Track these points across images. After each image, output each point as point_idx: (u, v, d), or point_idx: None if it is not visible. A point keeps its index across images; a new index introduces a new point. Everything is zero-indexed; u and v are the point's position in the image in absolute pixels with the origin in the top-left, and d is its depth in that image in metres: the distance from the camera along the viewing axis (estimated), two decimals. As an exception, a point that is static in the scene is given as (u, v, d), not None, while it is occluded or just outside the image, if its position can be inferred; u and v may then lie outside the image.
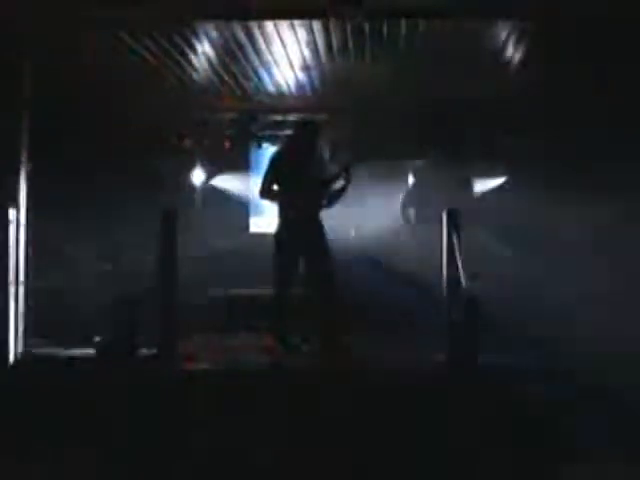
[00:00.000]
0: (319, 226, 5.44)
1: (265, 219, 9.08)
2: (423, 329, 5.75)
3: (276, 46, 6.22)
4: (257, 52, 6.41)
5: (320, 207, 5.44)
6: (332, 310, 5.36)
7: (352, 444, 4.02)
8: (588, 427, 4.02)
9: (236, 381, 4.52)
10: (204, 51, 6.36)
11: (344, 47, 6.23)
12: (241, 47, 6.25)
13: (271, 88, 7.70)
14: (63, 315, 5.95)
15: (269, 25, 5.68)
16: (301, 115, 8.34)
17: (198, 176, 9.15)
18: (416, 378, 4.53)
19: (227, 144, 8.97)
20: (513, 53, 6.47)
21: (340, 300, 5.39)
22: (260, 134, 8.89)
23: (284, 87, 7.67)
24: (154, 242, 5.02)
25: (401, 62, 6.67)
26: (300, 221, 5.35)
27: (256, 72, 7.08)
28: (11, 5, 5.11)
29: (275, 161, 5.49)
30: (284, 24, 5.66)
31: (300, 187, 5.34)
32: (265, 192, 5.43)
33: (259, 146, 9.04)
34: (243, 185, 9.23)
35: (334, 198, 5.47)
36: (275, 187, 5.40)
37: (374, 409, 4.20)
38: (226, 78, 7.26)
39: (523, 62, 6.65)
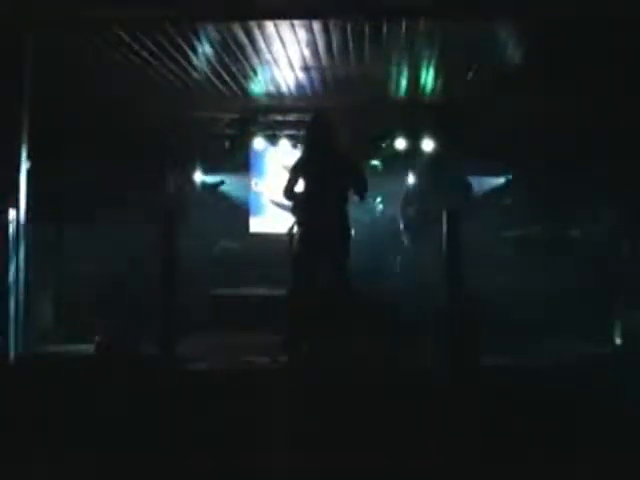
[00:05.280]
0: (339, 225, 5.41)
1: (265, 219, 9.10)
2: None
3: (276, 46, 6.22)
4: (257, 52, 6.41)
5: (341, 205, 5.41)
6: (338, 309, 5.36)
7: (352, 444, 4.03)
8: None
9: (236, 381, 4.52)
10: (204, 51, 6.36)
11: (344, 47, 6.23)
12: (241, 47, 6.26)
13: (271, 88, 7.71)
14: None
15: (269, 25, 5.68)
16: (301, 115, 8.37)
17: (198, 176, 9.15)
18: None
19: (227, 144, 8.97)
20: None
21: (351, 300, 5.40)
22: (260, 134, 8.88)
23: (284, 87, 7.68)
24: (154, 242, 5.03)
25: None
26: (320, 219, 5.34)
27: (256, 72, 7.08)
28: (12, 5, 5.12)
29: (298, 161, 5.52)
30: (284, 24, 5.66)
31: (322, 185, 5.34)
32: (287, 192, 5.46)
33: (259, 146, 9.03)
34: (243, 185, 9.23)
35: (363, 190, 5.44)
36: (297, 188, 5.43)
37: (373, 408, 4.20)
38: (226, 78, 7.26)
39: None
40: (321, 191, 5.38)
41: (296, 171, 5.49)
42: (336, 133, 5.55)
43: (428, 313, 5.73)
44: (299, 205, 5.50)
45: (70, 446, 4.05)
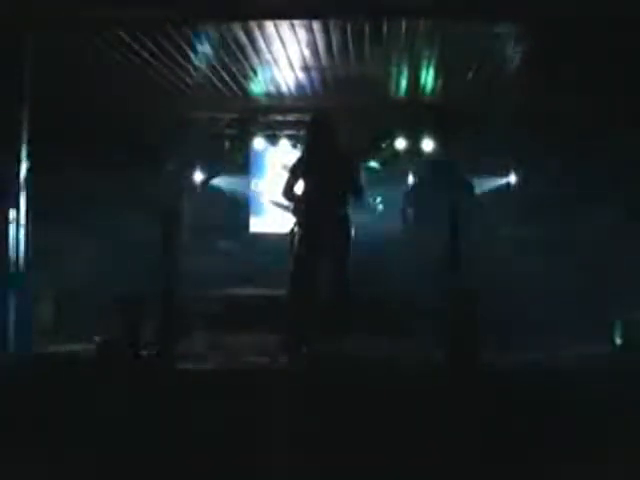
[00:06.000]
0: (339, 225, 5.39)
1: (265, 219, 9.10)
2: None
3: (276, 46, 6.22)
4: (257, 52, 6.41)
5: (341, 205, 5.38)
6: (337, 310, 5.35)
7: (352, 444, 4.02)
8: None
9: (236, 381, 4.52)
10: (204, 51, 6.36)
11: (344, 47, 6.23)
12: (241, 47, 6.26)
13: (271, 88, 7.71)
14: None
15: (269, 25, 5.69)
16: (301, 115, 8.37)
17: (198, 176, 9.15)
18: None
19: (227, 144, 8.98)
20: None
21: (350, 301, 5.38)
22: (260, 134, 8.89)
23: (284, 87, 7.68)
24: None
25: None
26: (320, 220, 5.33)
27: (256, 72, 7.08)
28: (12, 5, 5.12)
29: (298, 161, 5.51)
30: (284, 24, 5.67)
31: (322, 185, 5.33)
32: (286, 192, 5.44)
33: (259, 146, 9.03)
34: (243, 185, 9.23)
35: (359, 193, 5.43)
36: (296, 188, 5.42)
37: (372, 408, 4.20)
38: (226, 78, 7.27)
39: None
40: (321, 191, 5.37)
41: (295, 171, 5.48)
42: (336, 133, 5.53)
43: (428, 312, 5.74)
44: (299, 205, 5.49)
45: (70, 446, 4.05)
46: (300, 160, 5.57)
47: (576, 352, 5.34)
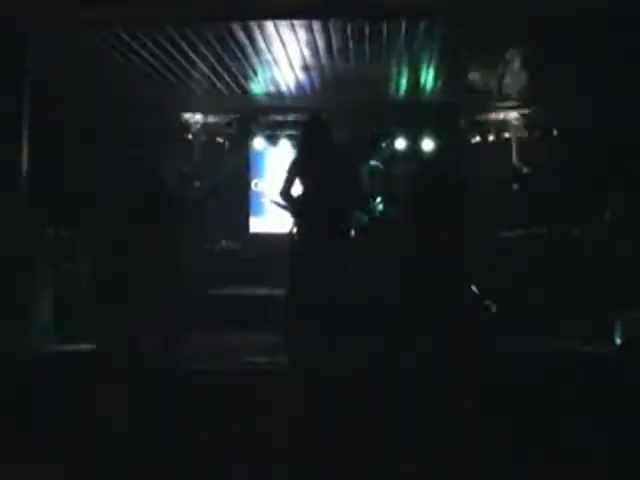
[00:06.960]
0: (339, 226, 5.38)
1: (265, 219, 9.10)
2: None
3: (276, 46, 6.23)
4: (257, 52, 6.42)
5: (339, 206, 5.37)
6: (337, 310, 5.35)
7: (352, 445, 4.03)
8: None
9: (236, 381, 4.52)
10: (204, 51, 6.36)
11: (344, 47, 6.23)
12: (241, 47, 6.26)
13: (271, 88, 7.72)
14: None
15: (269, 25, 5.69)
16: (301, 115, 8.37)
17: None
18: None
19: (227, 144, 8.98)
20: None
21: (349, 301, 5.37)
22: (260, 134, 8.89)
23: (284, 87, 7.68)
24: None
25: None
26: (319, 220, 5.32)
27: (256, 72, 7.09)
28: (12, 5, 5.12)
29: (294, 163, 5.50)
30: (284, 24, 5.67)
31: (318, 187, 5.31)
32: (283, 194, 5.43)
33: (259, 146, 9.04)
34: (243, 185, 9.23)
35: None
36: (293, 190, 5.41)
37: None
38: (226, 78, 7.27)
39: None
40: (318, 192, 5.36)
41: (292, 172, 5.46)
42: (331, 133, 5.50)
43: (428, 312, 5.73)
44: (297, 206, 5.48)
45: (70, 446, 4.05)
46: (295, 161, 5.54)
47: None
